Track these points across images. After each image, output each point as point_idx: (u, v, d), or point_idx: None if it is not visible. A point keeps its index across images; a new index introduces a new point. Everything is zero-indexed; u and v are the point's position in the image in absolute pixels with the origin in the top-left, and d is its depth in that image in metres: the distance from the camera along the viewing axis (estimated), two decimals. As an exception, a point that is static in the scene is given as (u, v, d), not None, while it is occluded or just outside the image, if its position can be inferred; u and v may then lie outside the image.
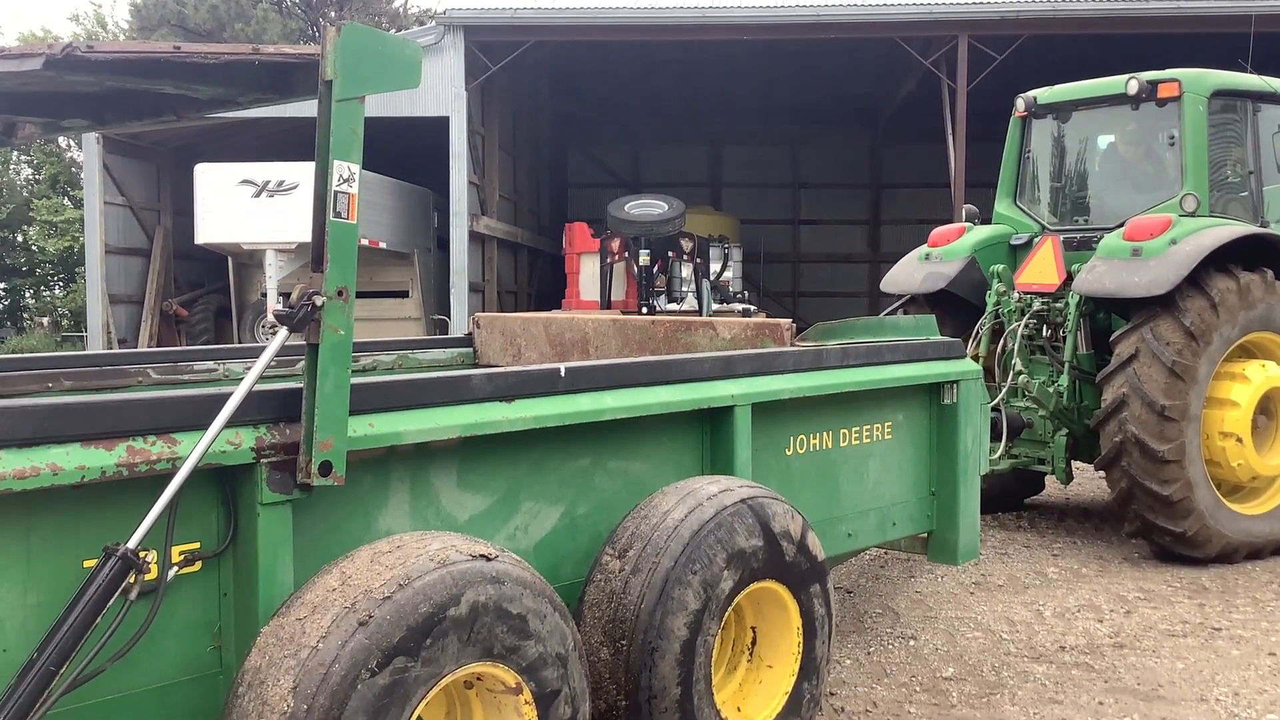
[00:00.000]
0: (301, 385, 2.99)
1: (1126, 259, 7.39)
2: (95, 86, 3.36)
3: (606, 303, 18.74)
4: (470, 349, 6.45)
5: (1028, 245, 8.57)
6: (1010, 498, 9.06)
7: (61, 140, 28.39)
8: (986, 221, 9.14)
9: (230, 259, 18.13)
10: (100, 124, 3.87)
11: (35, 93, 3.49)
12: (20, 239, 32.06)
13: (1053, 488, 9.64)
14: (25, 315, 32.04)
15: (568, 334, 6.14)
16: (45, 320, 30.68)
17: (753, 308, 19.51)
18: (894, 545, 5.60)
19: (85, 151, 18.92)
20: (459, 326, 17.36)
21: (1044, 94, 8.81)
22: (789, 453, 4.68)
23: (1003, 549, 7.87)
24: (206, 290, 20.68)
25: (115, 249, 19.08)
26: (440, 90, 17.70)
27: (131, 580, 2.66)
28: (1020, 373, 7.96)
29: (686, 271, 19.16)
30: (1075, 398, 7.98)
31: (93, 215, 18.54)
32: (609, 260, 18.92)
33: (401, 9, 34.28)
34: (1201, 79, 7.95)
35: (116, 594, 2.65)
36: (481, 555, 3.06)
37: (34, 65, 2.86)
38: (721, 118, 27.05)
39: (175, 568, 2.82)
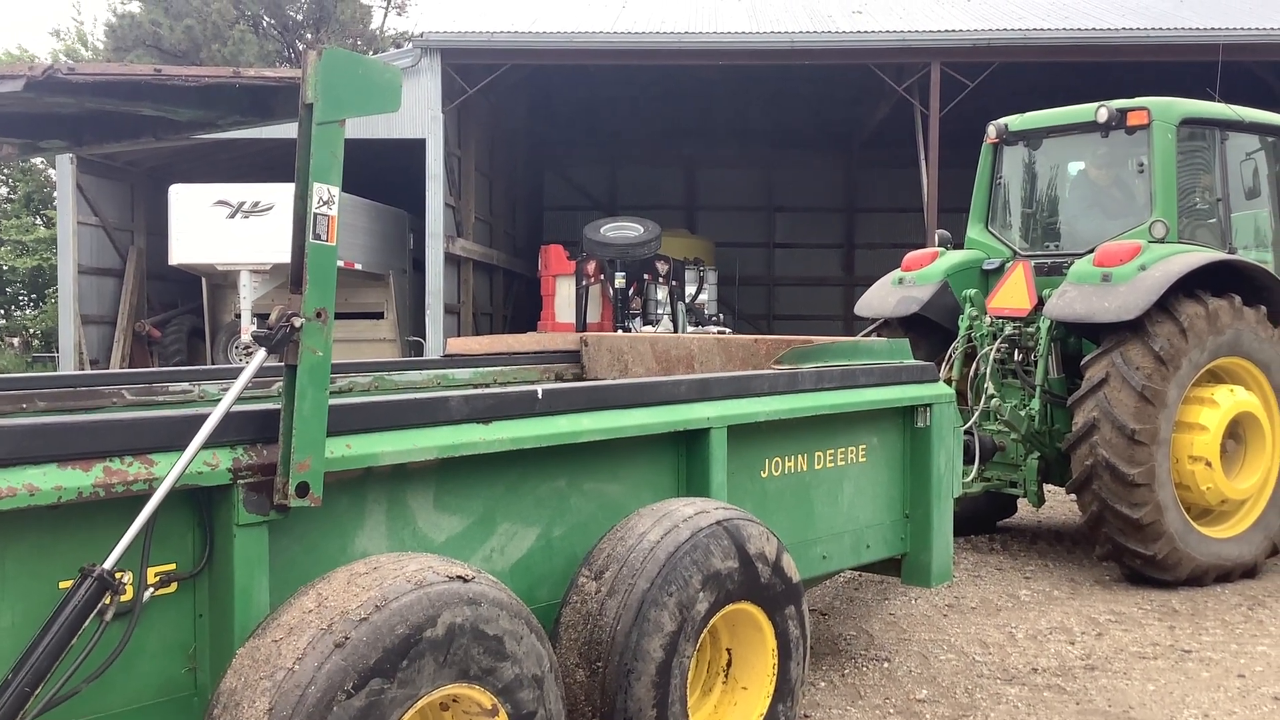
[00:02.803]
0: (279, 406, 3.00)
1: (1097, 284, 7.48)
2: (75, 108, 3.36)
3: (582, 325, 18.73)
4: (579, 365, 6.87)
5: (999, 270, 8.66)
6: (983, 520, 9.12)
7: (36, 160, 28.16)
8: (959, 246, 9.23)
9: (204, 280, 18.04)
10: (79, 145, 3.87)
11: (13, 113, 3.49)
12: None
13: (1025, 510, 9.71)
14: (-5, 335, 31.70)
15: (673, 351, 6.38)
16: (15, 340, 30.36)
17: (727, 330, 19.57)
18: (868, 567, 5.63)
19: (59, 171, 18.78)
20: (434, 348, 17.33)
21: (1015, 121, 8.92)
22: (764, 475, 4.71)
23: (975, 571, 7.91)
24: (180, 311, 20.55)
25: (88, 269, 18.94)
26: (417, 112, 17.70)
27: (107, 601, 2.65)
28: (992, 396, 8.05)
29: (662, 294, 19.19)
30: (1047, 421, 8.06)
31: (65, 235, 18.40)
32: (585, 283, 18.94)
33: (378, 31, 34.34)
34: (1170, 107, 8.07)
35: (92, 615, 2.63)
36: (458, 577, 3.06)
37: (14, 87, 2.86)
38: (697, 141, 27.17)
39: (151, 589, 2.81)
